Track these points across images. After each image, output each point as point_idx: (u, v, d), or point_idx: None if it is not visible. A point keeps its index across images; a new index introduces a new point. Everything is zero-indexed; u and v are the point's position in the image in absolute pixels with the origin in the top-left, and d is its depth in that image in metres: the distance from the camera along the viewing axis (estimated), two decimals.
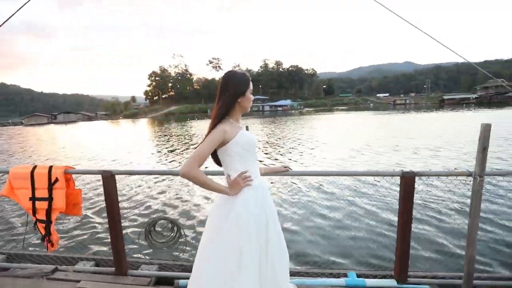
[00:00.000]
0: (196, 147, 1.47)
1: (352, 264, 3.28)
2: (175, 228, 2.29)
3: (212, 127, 1.46)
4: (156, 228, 2.32)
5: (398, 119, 30.54)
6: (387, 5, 1.83)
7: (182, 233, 2.31)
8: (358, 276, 2.29)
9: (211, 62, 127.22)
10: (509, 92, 79.99)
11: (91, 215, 5.19)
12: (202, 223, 4.71)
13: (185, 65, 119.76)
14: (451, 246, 3.59)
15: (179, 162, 10.78)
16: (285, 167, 2.01)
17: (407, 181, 2.08)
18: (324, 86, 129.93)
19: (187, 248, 2.39)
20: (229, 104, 1.49)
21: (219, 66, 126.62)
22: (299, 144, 14.01)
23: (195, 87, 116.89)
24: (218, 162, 1.61)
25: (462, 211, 4.52)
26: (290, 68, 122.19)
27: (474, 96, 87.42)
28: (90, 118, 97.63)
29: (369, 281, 2.20)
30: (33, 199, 2.31)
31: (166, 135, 23.08)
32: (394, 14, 1.84)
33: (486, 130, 2.04)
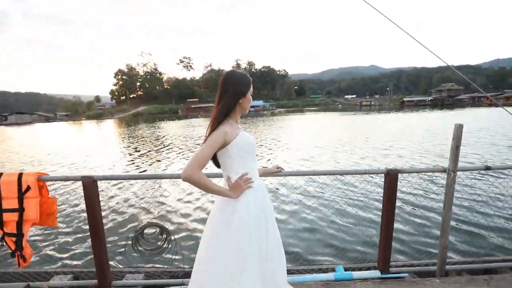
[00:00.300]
0: (197, 150, 1.44)
1: (339, 258, 3.41)
2: (164, 234, 2.20)
3: (213, 128, 1.43)
4: (144, 235, 2.20)
5: (362, 120, 32.47)
6: (374, 5, 1.91)
7: (172, 239, 2.23)
8: (345, 269, 2.38)
9: (182, 61, 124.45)
10: (458, 95, 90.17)
11: (66, 225, 4.82)
12: (191, 227, 4.60)
13: (154, 64, 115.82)
14: (426, 236, 3.89)
15: (137, 166, 10.35)
16: (278, 168, 2.03)
17: (391, 178, 2.20)
18: (296, 87, 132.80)
19: (176, 254, 2.30)
20: (231, 105, 1.47)
21: (190, 66, 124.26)
22: (261, 146, 14.06)
23: (165, 86, 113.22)
24: (217, 164, 1.58)
25: (435, 204, 4.88)
26: (262, 69, 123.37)
27: (429, 98, 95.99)
28: (48, 119, 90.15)
29: (356, 274, 2.30)
30: (0, 210, 2.09)
31: (131, 137, 22.06)
32: (381, 14, 1.93)
33: (458, 131, 2.22)
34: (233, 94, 1.47)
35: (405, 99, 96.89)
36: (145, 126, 34.84)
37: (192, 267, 2.47)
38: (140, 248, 2.16)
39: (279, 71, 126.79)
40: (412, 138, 14.10)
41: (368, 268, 2.42)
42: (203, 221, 4.80)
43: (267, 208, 1.58)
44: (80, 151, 14.79)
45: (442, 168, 2.29)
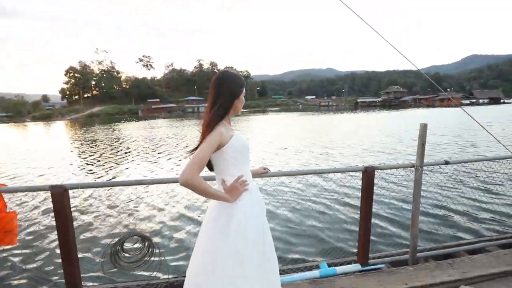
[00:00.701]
0: (192, 153, 1.39)
1: (322, 255, 3.53)
2: (147, 244, 2.05)
3: (210, 130, 1.39)
4: (124, 247, 2.02)
5: (320, 120, 34.77)
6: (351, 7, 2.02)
7: (155, 248, 2.09)
8: (329, 265, 2.48)
9: (141, 60, 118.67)
10: (403, 97, 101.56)
11: (27, 242, 4.28)
12: (175, 233, 4.41)
13: (111, 62, 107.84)
14: (395, 227, 4.22)
15: (81, 172, 9.65)
16: (264, 169, 2.04)
17: (369, 175, 2.35)
18: (258, 88, 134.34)
19: (161, 264, 2.17)
20: (227, 106, 1.45)
21: (150, 65, 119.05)
22: None
23: (123, 86, 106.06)
24: (209, 166, 1.54)
25: (401, 197, 5.30)
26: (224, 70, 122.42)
27: (379, 99, 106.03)
28: None
29: (339, 269, 2.42)
30: None
31: (87, 140, 20.37)
32: (358, 16, 2.05)
33: (423, 130, 2.44)
34: (228, 95, 1.45)
35: (358, 100, 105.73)
36: (101, 128, 32.46)
37: (176, 277, 2.39)
38: (120, 262, 1.98)
39: (241, 71, 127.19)
40: (359, 138, 15.20)
41: (349, 262, 2.55)
42: (187, 227, 4.62)
43: (262, 210, 1.58)
44: (21, 157, 13.26)
45: (411, 164, 2.50)
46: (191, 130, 25.33)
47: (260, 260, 1.49)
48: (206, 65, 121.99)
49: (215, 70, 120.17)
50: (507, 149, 2.43)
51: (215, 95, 1.45)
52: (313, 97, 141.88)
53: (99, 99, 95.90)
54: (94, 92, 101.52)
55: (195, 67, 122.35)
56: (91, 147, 16.30)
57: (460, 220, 4.41)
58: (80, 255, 2.31)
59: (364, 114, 44.21)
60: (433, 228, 4.15)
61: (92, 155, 13.08)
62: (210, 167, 1.55)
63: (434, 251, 2.81)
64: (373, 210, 4.57)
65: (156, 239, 4.14)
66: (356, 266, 2.45)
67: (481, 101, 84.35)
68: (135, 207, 5.63)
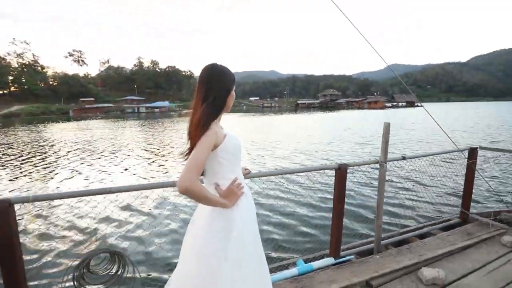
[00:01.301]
0: (186, 157, 1.25)
1: (297, 252, 3.56)
2: (117, 259, 1.77)
3: (204, 130, 1.27)
4: (91, 268, 1.71)
5: (261, 121, 36.75)
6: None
7: (128, 263, 1.82)
8: (305, 261, 2.52)
9: (71, 55, 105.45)
10: (338, 99, 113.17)
11: None
12: (146, 244, 3.99)
13: (34, 55, 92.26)
14: (361, 219, 4.51)
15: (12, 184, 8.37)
16: (246, 170, 1.98)
17: (342, 172, 2.45)
18: None
19: (135, 279, 1.92)
20: (221, 103, 1.35)
21: (82, 60, 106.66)
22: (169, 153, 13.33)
23: (50, 82, 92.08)
24: None
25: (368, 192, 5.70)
26: (167, 69, 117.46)
27: (317, 101, 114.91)
28: None
29: (315, 264, 2.48)
30: None
31: (7, 144, 17.29)
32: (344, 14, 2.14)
33: (386, 128, 2.66)
34: (220, 91, 1.35)
35: (299, 101, 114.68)
36: (20, 130, 27.67)
37: None
38: (86, 286, 1.66)
39: (184, 71, 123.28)
40: (296, 140, 15.93)
41: (322, 256, 2.64)
42: (157, 238, 4.22)
43: (254, 214, 1.54)
44: None
45: (376, 160, 2.71)
46: (123, 132, 23.61)
47: (257, 264, 1.46)
48: (146, 63, 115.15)
49: (157, 69, 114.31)
50: (454, 144, 2.81)
51: (206, 91, 1.32)
52: (257, 98, 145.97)
53: (19, 96, 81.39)
54: (12, 88, 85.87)
55: (134, 65, 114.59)
56: (9, 151, 13.84)
57: (408, 207, 4.97)
58: (30, 283, 1.89)
59: (303, 115, 48.15)
60: (389, 216, 4.60)
61: (13, 162, 11.11)
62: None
63: (392, 239, 3.10)
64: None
65: (130, 253, 3.69)
66: (330, 260, 2.54)
67: (400, 104, 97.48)
68: (97, 220, 4.89)
